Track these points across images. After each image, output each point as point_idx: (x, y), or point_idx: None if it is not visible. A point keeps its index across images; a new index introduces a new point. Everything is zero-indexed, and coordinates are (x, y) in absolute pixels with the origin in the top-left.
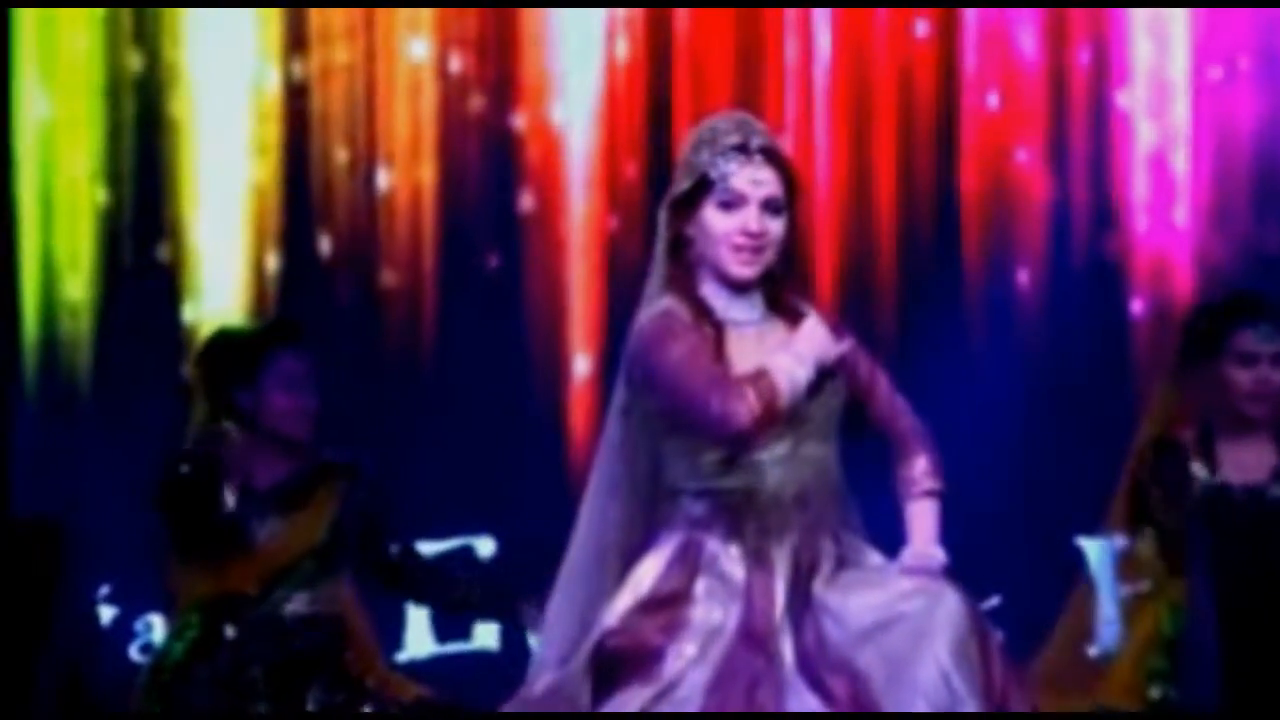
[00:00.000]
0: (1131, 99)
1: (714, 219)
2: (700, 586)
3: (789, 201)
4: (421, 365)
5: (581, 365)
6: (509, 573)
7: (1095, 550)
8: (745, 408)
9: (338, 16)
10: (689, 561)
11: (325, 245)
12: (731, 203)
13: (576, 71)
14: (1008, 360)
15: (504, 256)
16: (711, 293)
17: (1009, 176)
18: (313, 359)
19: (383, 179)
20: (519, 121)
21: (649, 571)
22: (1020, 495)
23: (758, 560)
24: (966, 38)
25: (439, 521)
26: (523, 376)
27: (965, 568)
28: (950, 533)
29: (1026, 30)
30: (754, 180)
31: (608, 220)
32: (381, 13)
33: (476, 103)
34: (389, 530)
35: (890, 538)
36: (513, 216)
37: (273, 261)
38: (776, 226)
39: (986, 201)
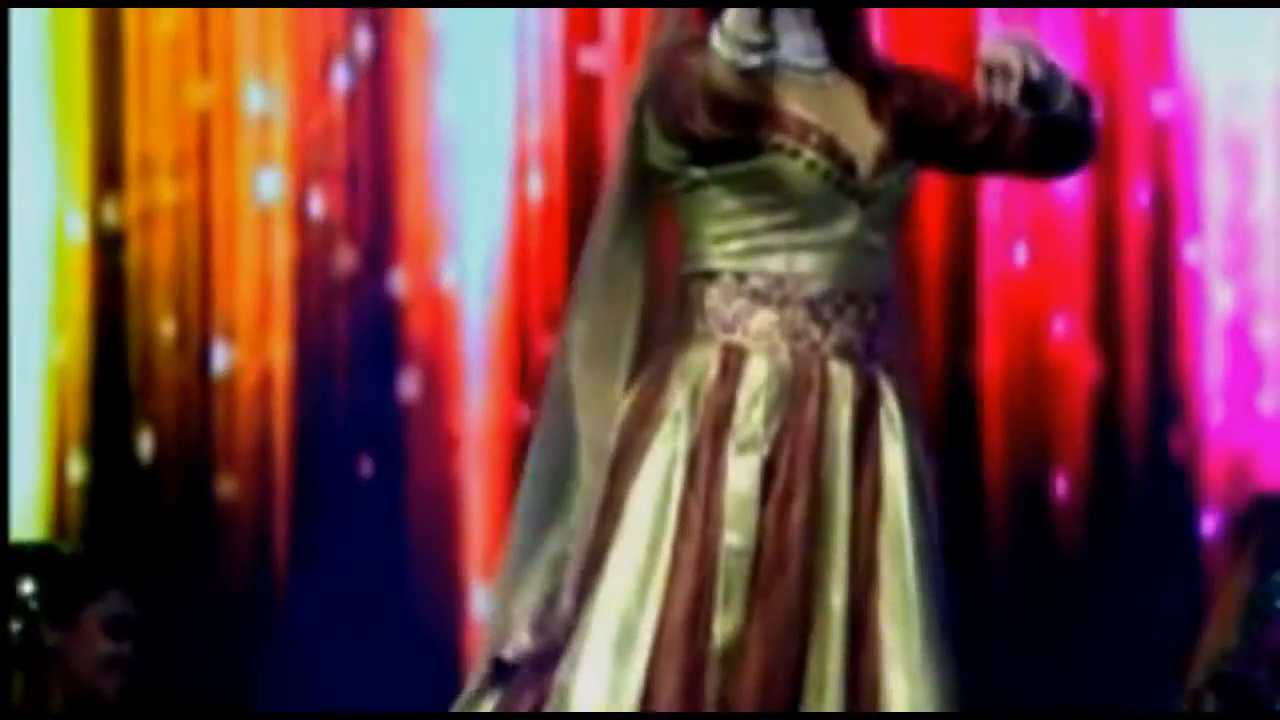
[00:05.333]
0: (1203, 252)
1: None
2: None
3: None
4: (271, 602)
5: (482, 602)
6: None
7: None
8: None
9: (164, 143)
10: (729, 374)
11: (145, 445)
12: None
13: (476, 217)
14: (1040, 595)
15: (380, 460)
16: None
17: (1042, 353)
18: (133, 596)
19: (221, 358)
20: (400, 282)
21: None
22: None
23: (821, 374)
24: None
25: None
26: (405, 617)
27: None
28: None
29: None
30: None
31: (515, 412)
32: (221, 140)
33: (345, 258)
34: None
35: None
36: (391, 407)
37: (77, 466)
38: None
39: (1013, 386)
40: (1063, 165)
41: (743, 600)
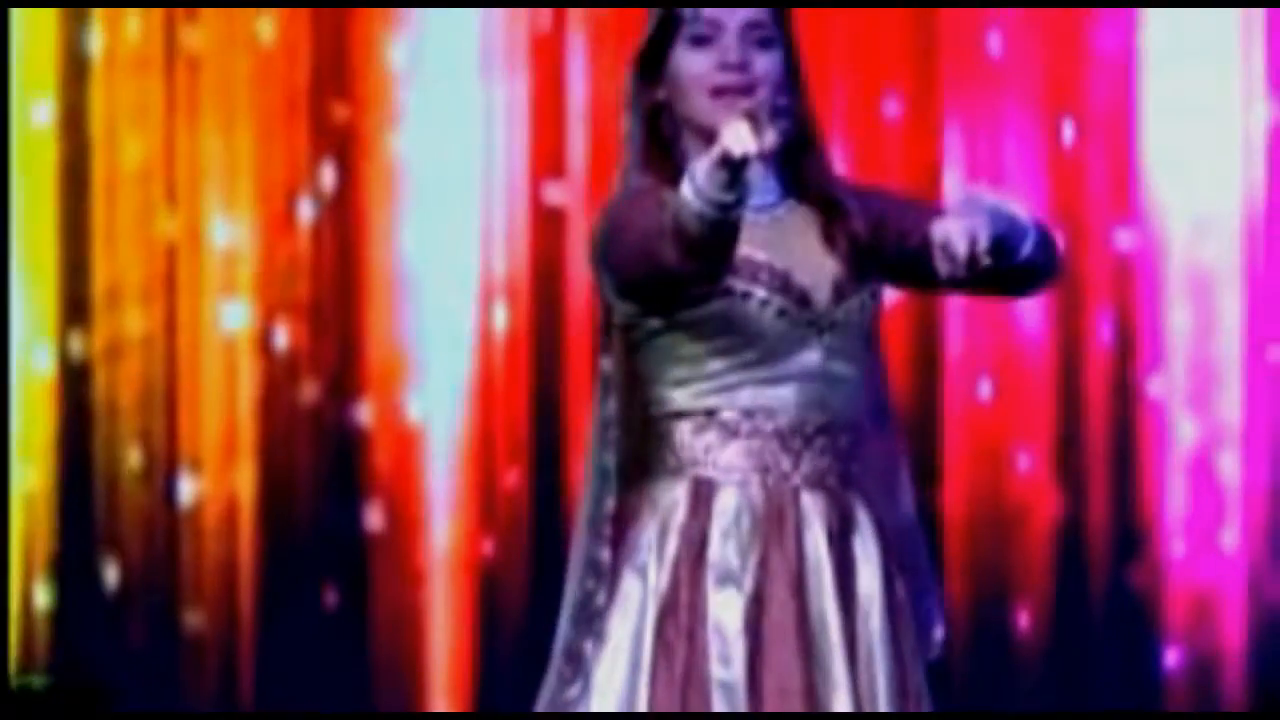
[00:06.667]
0: (1166, 387)
1: (687, 59)
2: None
3: (781, 32)
4: None
5: None
6: None
7: None
8: (669, 242)
9: (130, 275)
10: (700, 507)
11: (112, 575)
12: (704, 36)
13: (440, 349)
14: None
15: (345, 590)
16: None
17: (1005, 487)
18: None
19: (187, 488)
20: (365, 414)
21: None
22: None
23: (794, 506)
24: (949, 307)
25: None
26: None
27: None
28: None
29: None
30: (729, 5)
31: (480, 544)
32: (187, 273)
33: (310, 389)
34: None
35: None
36: (356, 539)
37: (43, 595)
38: (765, 61)
39: (976, 520)
40: (1027, 291)
41: None
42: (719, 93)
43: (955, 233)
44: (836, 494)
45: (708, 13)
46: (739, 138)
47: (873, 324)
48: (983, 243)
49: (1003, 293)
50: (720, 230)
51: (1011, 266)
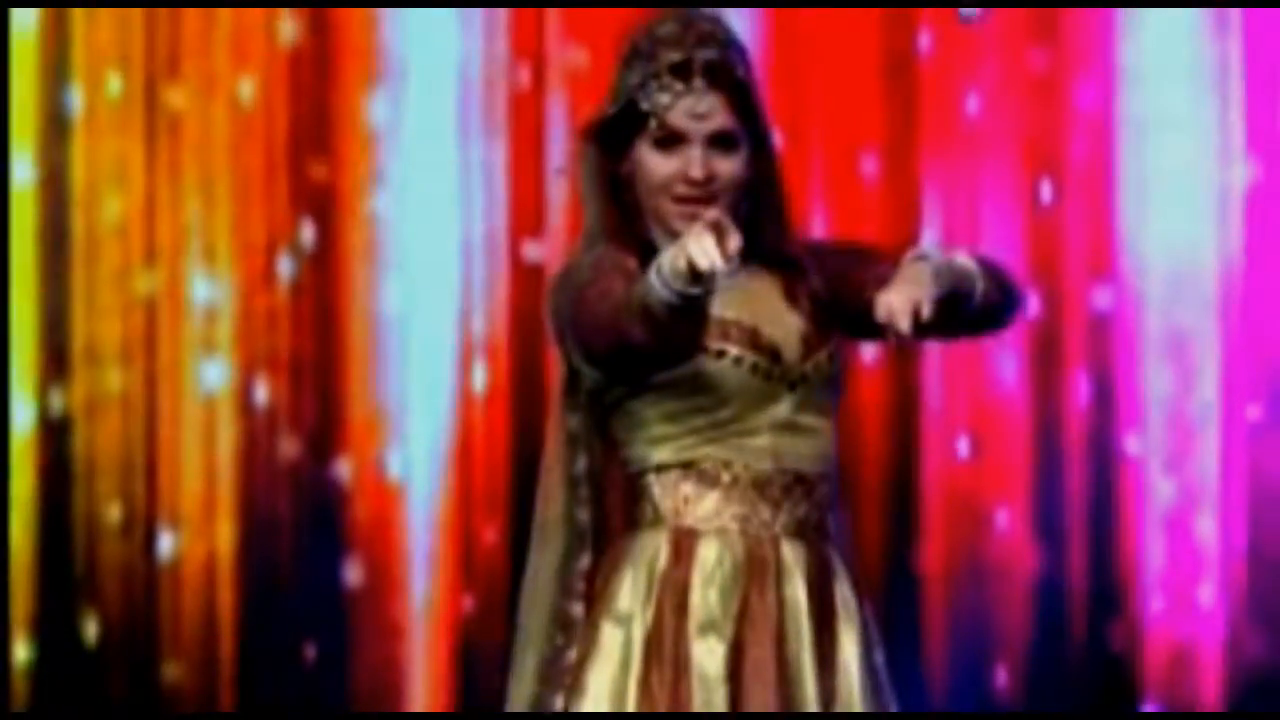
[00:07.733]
0: (1144, 446)
1: (650, 161)
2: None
3: (748, 130)
4: None
5: None
6: None
7: None
8: (637, 324)
9: (110, 331)
10: (682, 557)
11: (91, 629)
12: (669, 141)
13: (420, 406)
14: None
15: (324, 645)
16: (665, 240)
17: (983, 547)
18: None
19: (167, 544)
20: (344, 470)
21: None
22: None
23: (774, 554)
24: (927, 364)
25: None
26: None
27: None
28: None
29: (1006, 355)
30: (695, 114)
31: (459, 600)
32: (167, 329)
33: (289, 446)
34: None
35: None
36: (336, 593)
37: (23, 650)
38: (729, 166)
39: (954, 579)
40: (993, 329)
41: None
42: (681, 200)
43: (897, 307)
44: (816, 544)
45: (673, 120)
46: (704, 252)
47: (838, 377)
48: (926, 311)
49: (968, 334)
50: (688, 315)
51: (966, 313)
